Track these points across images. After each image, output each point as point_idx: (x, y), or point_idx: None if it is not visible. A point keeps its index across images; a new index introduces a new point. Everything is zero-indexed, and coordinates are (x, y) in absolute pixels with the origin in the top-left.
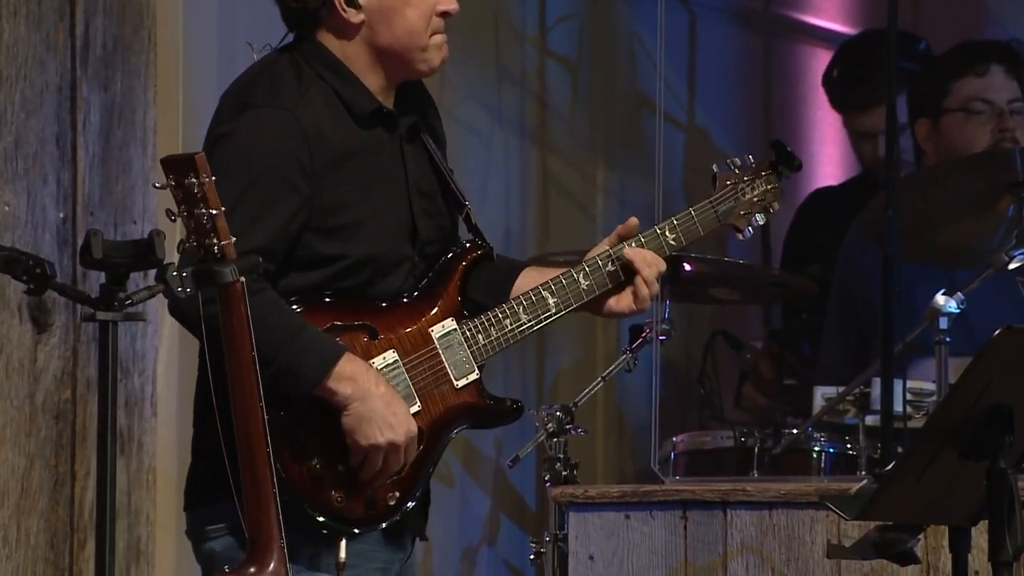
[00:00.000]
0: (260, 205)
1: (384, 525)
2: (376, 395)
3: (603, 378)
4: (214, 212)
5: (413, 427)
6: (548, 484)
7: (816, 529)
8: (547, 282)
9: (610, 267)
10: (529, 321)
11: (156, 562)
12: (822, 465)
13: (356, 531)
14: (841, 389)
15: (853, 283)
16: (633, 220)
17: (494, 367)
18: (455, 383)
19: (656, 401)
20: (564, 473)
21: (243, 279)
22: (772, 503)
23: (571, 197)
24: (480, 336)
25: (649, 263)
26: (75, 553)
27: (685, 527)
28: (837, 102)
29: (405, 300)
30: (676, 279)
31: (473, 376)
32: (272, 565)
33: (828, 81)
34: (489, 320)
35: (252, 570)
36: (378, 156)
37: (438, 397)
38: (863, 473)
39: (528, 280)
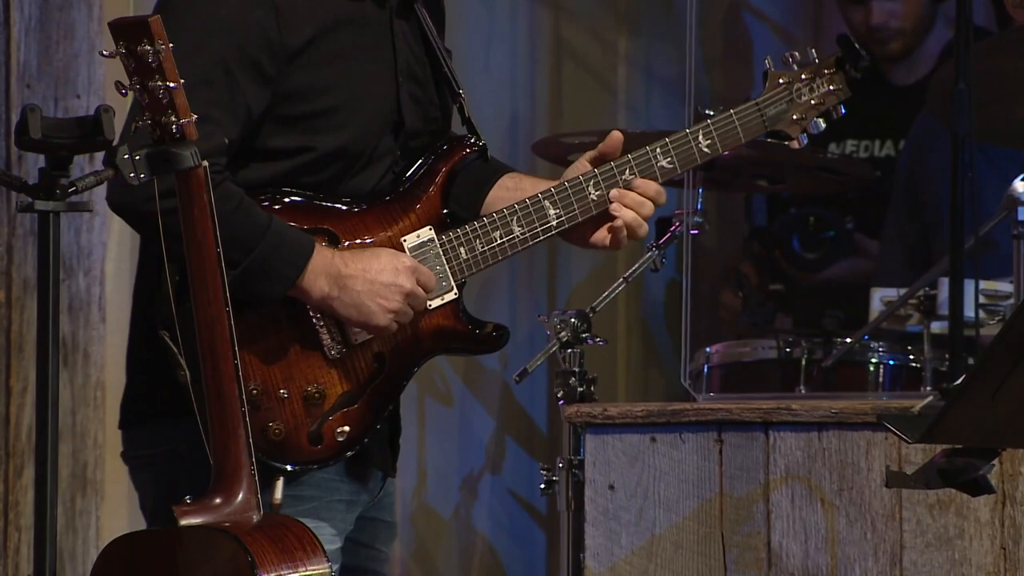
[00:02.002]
0: (219, 86)
1: (330, 464)
2: (351, 276)
3: (625, 279)
4: (172, 85)
5: (405, 262)
6: (561, 402)
7: (873, 454)
8: (549, 189)
9: (627, 175)
10: (523, 234)
11: (105, 491)
12: (880, 379)
13: (294, 469)
14: (903, 291)
15: (919, 167)
16: (616, 135)
17: (498, 272)
18: (427, 303)
19: (687, 305)
20: (580, 389)
21: (206, 163)
22: (822, 423)
23: (588, 68)
24: (462, 249)
25: (637, 203)
26: (11, 481)
27: (720, 452)
28: None
29: (377, 202)
30: (711, 164)
31: (450, 296)
32: (241, 495)
33: None
34: (474, 231)
35: (218, 501)
36: (362, 31)
37: None
38: (928, 388)
39: (503, 193)
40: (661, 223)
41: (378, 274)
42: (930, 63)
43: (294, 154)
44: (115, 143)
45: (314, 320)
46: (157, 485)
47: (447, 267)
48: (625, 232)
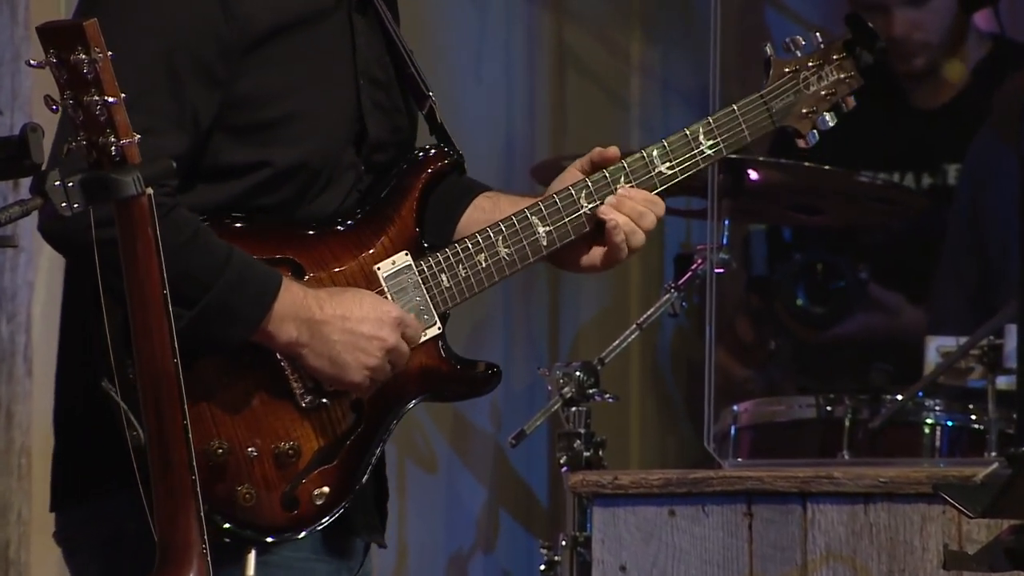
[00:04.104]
0: (164, 93)
1: (304, 533)
2: (326, 321)
3: (639, 325)
4: (111, 100)
5: (391, 313)
6: (564, 469)
7: (929, 530)
8: (536, 204)
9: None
10: (511, 256)
11: (31, 574)
12: (937, 443)
13: (269, 540)
14: (963, 341)
15: (980, 198)
16: (613, 150)
17: (492, 316)
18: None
19: (711, 356)
20: (586, 454)
21: (151, 191)
22: (869, 495)
23: (596, 79)
24: (443, 276)
25: (627, 224)
26: None
27: (750, 527)
28: None
29: (343, 226)
30: (738, 191)
31: (433, 331)
32: None
33: None
34: (456, 255)
35: None
36: (317, 29)
37: None
38: (993, 454)
39: (479, 215)
40: (681, 260)
41: (359, 323)
42: (958, 85)
43: (248, 171)
44: (44, 167)
45: (282, 364)
46: (99, 569)
47: (428, 297)
48: (622, 240)
